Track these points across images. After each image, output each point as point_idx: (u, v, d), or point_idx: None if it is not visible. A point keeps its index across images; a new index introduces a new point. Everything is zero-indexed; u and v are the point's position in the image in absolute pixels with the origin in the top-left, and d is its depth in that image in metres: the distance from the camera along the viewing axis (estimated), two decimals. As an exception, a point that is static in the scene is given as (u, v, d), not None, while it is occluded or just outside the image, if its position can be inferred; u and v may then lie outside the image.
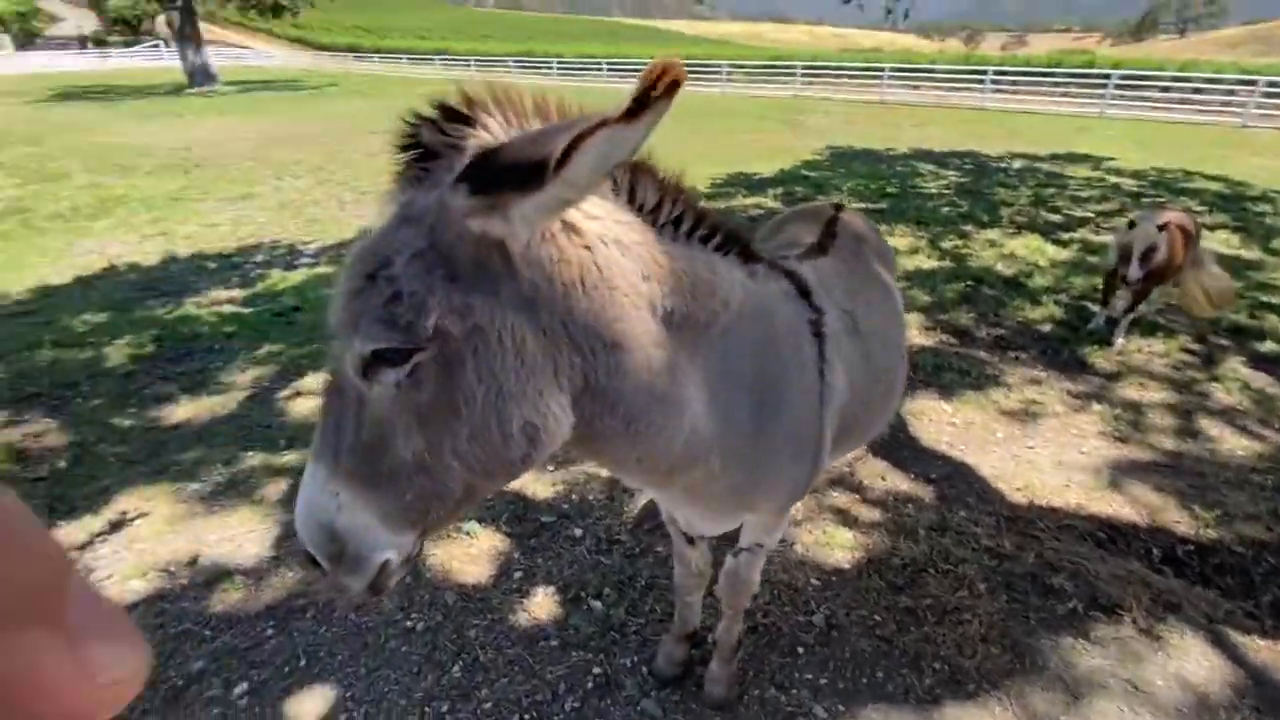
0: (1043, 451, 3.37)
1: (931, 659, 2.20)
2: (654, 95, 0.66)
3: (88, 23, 54.12)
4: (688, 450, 1.14)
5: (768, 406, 1.29)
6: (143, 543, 2.78)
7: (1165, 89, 20.12)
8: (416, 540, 0.94)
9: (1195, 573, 2.55)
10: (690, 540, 1.89)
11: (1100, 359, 4.28)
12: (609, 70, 31.40)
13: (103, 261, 6.51)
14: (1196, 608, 2.37)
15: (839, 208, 2.14)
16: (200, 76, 25.57)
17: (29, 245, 6.97)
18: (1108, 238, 5.73)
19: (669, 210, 1.04)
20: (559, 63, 34.04)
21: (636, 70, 31.10)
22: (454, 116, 0.84)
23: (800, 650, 2.25)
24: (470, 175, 0.77)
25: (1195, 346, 4.44)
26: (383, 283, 0.79)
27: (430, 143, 0.84)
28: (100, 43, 51.20)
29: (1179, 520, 2.85)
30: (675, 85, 0.66)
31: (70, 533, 2.82)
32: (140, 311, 5.25)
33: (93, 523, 2.89)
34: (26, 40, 52.79)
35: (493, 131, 0.84)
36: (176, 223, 7.90)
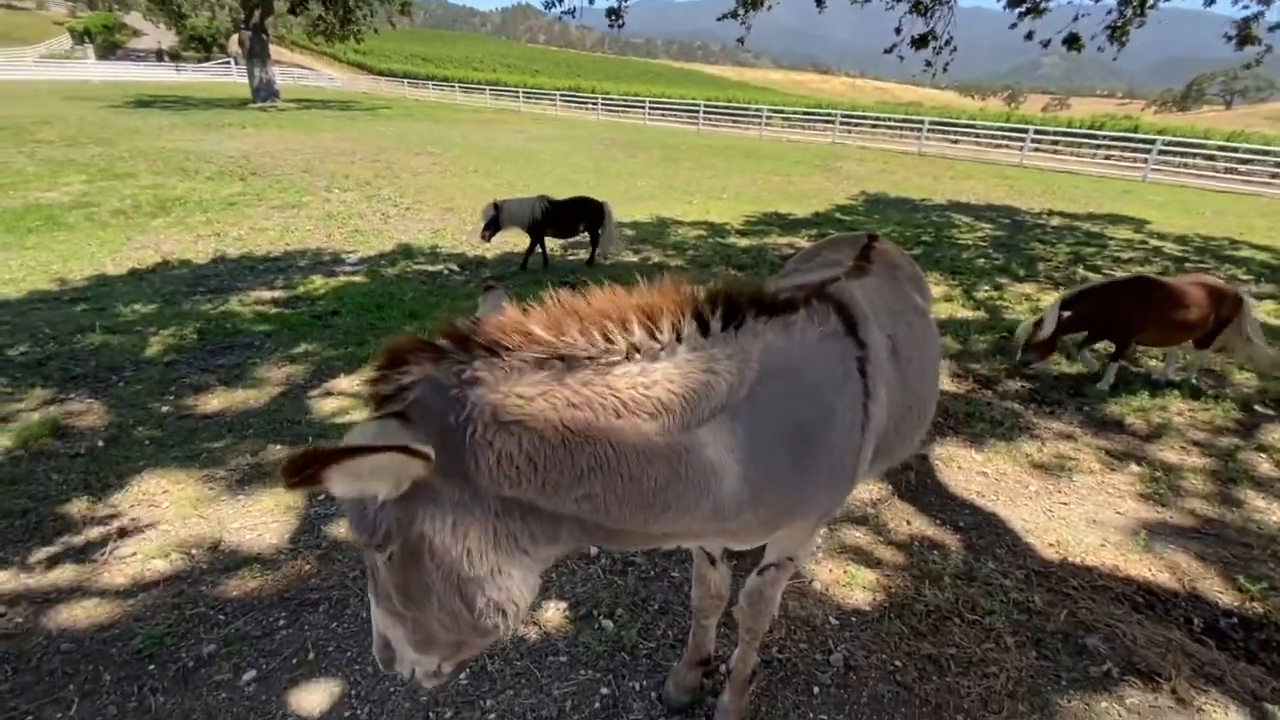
0: (1077, 509, 3.26)
1: (954, 711, 2.10)
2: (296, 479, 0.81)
3: (167, 39, 57.63)
4: (717, 512, 1.19)
5: (806, 449, 1.29)
6: (168, 524, 2.82)
7: (1210, 157, 19.90)
8: (440, 662, 1.14)
9: (1240, 646, 2.41)
10: (712, 560, 1.86)
11: (1138, 419, 4.16)
12: (650, 108, 32.23)
13: (157, 257, 6.80)
14: (1241, 683, 2.23)
15: (873, 237, 2.16)
16: (264, 92, 26.92)
17: (90, 237, 7.32)
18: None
19: (641, 334, 1.08)
20: (604, 99, 35.05)
21: (675, 109, 32.00)
22: (392, 364, 0.97)
23: (816, 690, 2.17)
24: None
25: (1240, 415, 4.29)
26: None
27: (382, 393, 0.97)
28: (175, 57, 54.38)
29: (1221, 591, 2.71)
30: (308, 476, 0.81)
31: (100, 509, 2.89)
32: (187, 305, 5.45)
33: (122, 501, 2.95)
34: (108, 50, 56.36)
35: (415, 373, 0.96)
36: (229, 225, 8.24)
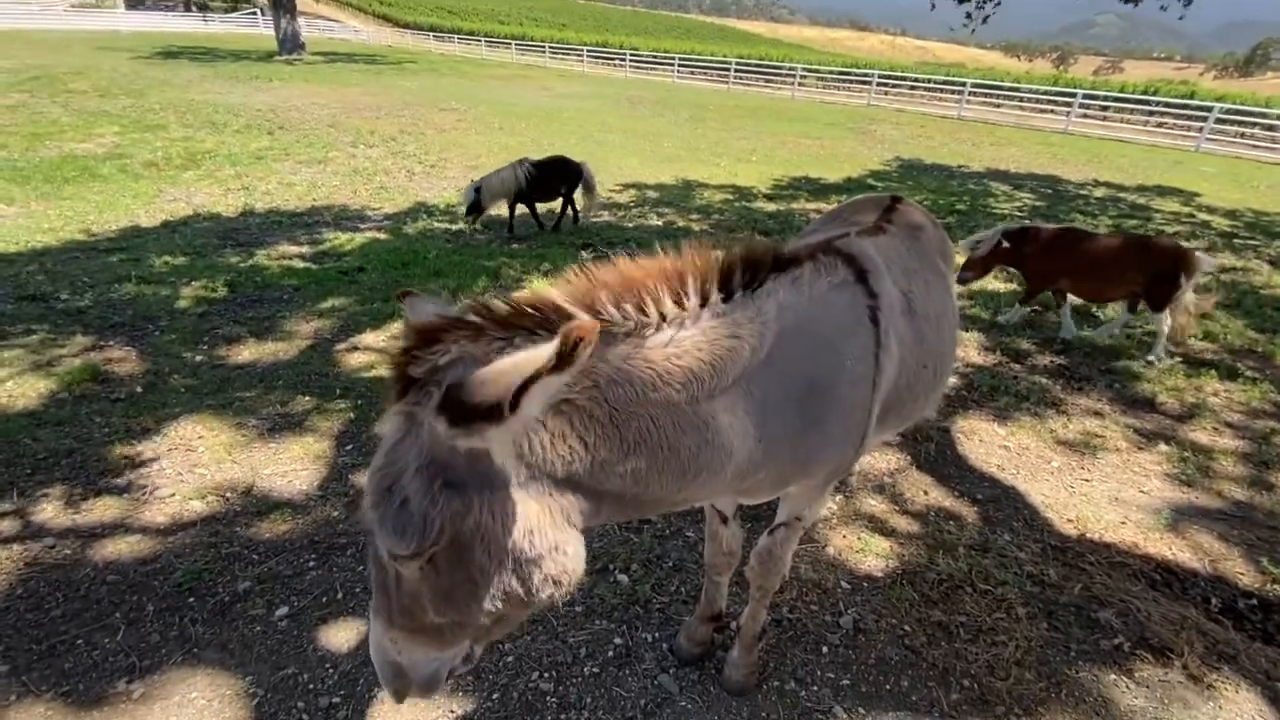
0: (1100, 486, 3.22)
1: (961, 676, 2.13)
2: (573, 352, 0.78)
3: (193, -12, 57.08)
4: (736, 473, 1.22)
5: (816, 403, 1.30)
6: (204, 468, 2.94)
7: (1271, 128, 18.76)
8: (471, 645, 1.09)
9: (1257, 628, 2.39)
10: (724, 519, 1.89)
11: (1170, 399, 4.05)
12: (680, 65, 31.32)
13: (187, 209, 6.91)
14: (1255, 663, 2.22)
15: (897, 198, 2.12)
16: (290, 44, 26.69)
17: (124, 189, 7.45)
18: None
19: (669, 303, 1.08)
20: (632, 55, 34.12)
21: (706, 67, 31.04)
22: (425, 343, 0.91)
23: (824, 649, 2.22)
24: (445, 408, 0.84)
25: (1278, 397, 4.15)
26: (396, 493, 0.87)
27: (412, 374, 0.91)
28: (203, 7, 54.06)
29: (1243, 572, 2.68)
30: (586, 342, 0.79)
31: (141, 451, 3.01)
32: (217, 258, 5.55)
33: (161, 444, 3.08)
34: (136, 0, 56.15)
35: (455, 353, 0.91)
36: (257, 179, 8.30)
